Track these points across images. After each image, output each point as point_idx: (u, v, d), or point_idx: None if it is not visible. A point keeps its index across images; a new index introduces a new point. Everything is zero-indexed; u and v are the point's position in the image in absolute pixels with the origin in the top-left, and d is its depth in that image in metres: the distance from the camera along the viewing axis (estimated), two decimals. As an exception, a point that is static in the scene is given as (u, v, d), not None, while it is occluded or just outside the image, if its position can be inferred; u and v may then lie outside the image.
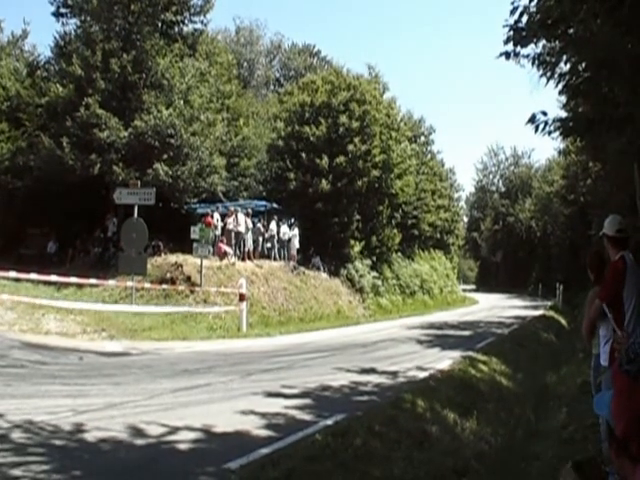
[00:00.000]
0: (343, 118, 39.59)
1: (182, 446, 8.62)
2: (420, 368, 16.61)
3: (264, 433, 9.59)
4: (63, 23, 33.84)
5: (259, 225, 33.44)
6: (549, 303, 51.62)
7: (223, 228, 31.10)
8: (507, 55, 13.78)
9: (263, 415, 10.48)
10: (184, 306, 24.47)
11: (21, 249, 33.05)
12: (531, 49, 13.95)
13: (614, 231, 7.35)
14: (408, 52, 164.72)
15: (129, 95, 31.06)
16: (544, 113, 13.65)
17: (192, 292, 25.66)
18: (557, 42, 13.88)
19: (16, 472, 7.10)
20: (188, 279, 26.57)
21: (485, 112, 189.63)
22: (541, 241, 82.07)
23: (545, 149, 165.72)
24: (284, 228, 34.31)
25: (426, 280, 52.59)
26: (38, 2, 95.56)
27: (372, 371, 16.03)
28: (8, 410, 9.71)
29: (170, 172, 30.26)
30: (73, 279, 22.23)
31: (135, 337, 20.28)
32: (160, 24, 33.20)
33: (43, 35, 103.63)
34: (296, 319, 29.56)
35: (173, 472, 7.67)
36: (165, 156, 30.66)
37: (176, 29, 34.51)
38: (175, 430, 9.21)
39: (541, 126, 13.55)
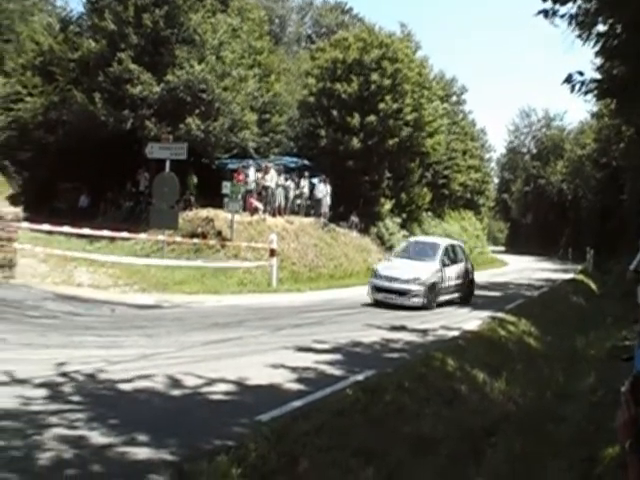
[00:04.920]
0: (375, 76, 39.28)
1: (215, 397, 8.75)
2: (450, 327, 16.65)
3: (295, 387, 9.69)
4: (95, -22, 33.66)
5: (290, 182, 33.40)
6: (579, 267, 51.25)
7: (254, 183, 31.14)
8: (545, 13, 13.61)
9: (294, 369, 10.58)
10: (215, 260, 24.58)
11: (53, 203, 33.25)
12: (567, 9, 13.77)
13: None
14: (441, 12, 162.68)
15: (161, 50, 30.92)
16: (581, 73, 13.53)
17: (223, 247, 25.74)
18: (593, 2, 13.70)
19: (53, 420, 7.25)
20: (219, 234, 26.62)
21: (517, 73, 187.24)
22: (572, 204, 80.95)
23: (577, 112, 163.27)
24: (320, 186, 34.13)
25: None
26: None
27: (402, 329, 16.09)
28: (42, 360, 9.90)
29: (202, 127, 30.23)
30: (105, 232, 22.39)
31: (166, 290, 20.42)
32: (192, -22, 32.92)
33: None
34: (326, 275, 29.60)
35: (207, 423, 7.78)
36: (197, 111, 30.57)
37: (208, -16, 34.23)
38: (208, 381, 9.33)
39: (577, 86, 13.42)
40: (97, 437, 6.86)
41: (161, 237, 24.21)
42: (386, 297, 21.01)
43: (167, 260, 23.33)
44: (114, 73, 29.48)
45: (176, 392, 8.82)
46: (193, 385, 9.16)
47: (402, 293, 20.85)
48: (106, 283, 20.37)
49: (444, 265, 22.28)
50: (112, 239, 24.89)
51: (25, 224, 19.92)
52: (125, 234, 23.30)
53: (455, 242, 26.77)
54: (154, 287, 20.67)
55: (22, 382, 8.49)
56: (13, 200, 32.44)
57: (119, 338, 12.44)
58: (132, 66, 29.43)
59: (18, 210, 19.87)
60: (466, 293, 23.92)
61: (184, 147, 24.80)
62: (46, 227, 20.60)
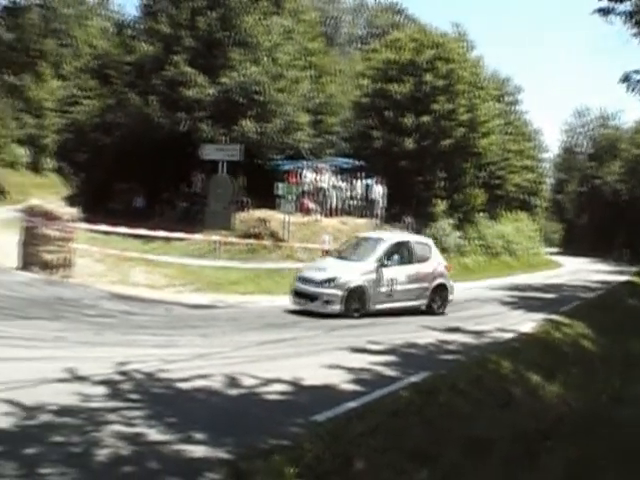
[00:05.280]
0: (428, 76, 39.01)
1: (271, 397, 8.83)
2: (504, 329, 16.56)
3: (350, 387, 9.73)
4: (149, -18, 34.06)
5: (343, 183, 33.39)
6: (634, 269, 50.41)
7: (308, 184, 31.22)
8: (602, 11, 13.46)
9: (349, 370, 10.60)
10: (269, 261, 24.67)
11: (109, 204, 33.69)
12: (624, 7, 13.61)
13: None
14: (496, 11, 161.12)
15: (215, 53, 31.16)
16: (638, 72, 13.31)
17: (277, 247, 25.86)
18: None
19: (111, 417, 7.36)
20: (273, 234, 26.75)
21: (573, 73, 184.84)
22: (628, 205, 79.56)
23: (634, 111, 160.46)
24: (375, 187, 34.03)
25: (510, 241, 51.63)
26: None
27: (457, 330, 16.03)
28: (99, 358, 10.09)
29: (256, 129, 30.38)
30: (160, 233, 22.66)
31: (220, 290, 20.56)
32: (246, -19, 33.07)
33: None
34: (380, 276, 29.53)
35: (263, 422, 7.83)
36: (251, 113, 30.72)
37: (262, -14, 34.37)
38: (264, 381, 9.40)
39: (634, 85, 13.22)
40: (154, 434, 6.96)
41: (215, 238, 24.41)
42: (300, 302, 17.72)
43: (221, 261, 23.47)
44: (169, 76, 29.83)
45: (232, 391, 8.91)
46: (249, 385, 9.25)
47: (313, 298, 17.34)
48: (161, 283, 20.60)
49: (383, 265, 18.05)
50: (167, 239, 25.09)
51: (82, 224, 20.33)
52: (180, 234, 23.54)
53: (412, 238, 21.38)
54: (208, 287, 20.85)
55: (81, 379, 8.66)
56: (70, 201, 33.11)
57: (174, 337, 12.62)
58: (187, 69, 29.73)
59: (75, 211, 20.23)
60: (435, 301, 19.34)
61: (238, 148, 25.06)
62: (102, 227, 21.04)
